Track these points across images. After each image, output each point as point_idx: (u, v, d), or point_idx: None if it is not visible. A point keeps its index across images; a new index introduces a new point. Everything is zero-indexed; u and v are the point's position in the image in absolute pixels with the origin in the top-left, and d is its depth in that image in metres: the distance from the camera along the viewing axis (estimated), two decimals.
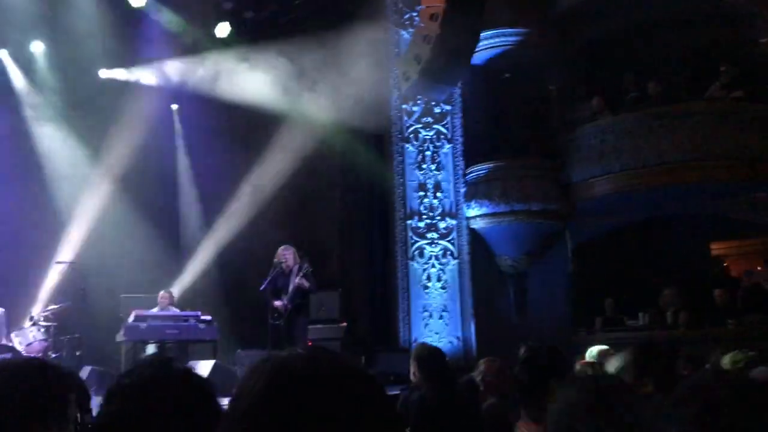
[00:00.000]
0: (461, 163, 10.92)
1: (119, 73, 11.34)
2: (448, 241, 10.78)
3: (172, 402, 1.42)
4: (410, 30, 10.71)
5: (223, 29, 11.13)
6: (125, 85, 11.27)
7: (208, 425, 1.37)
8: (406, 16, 10.94)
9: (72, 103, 10.78)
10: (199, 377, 1.52)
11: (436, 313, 10.59)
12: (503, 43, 10.80)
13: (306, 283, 8.09)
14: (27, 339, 8.53)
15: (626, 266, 10.22)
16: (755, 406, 1.26)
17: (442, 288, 10.65)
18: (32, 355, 7.84)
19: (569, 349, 7.19)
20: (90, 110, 10.74)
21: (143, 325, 8.39)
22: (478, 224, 10.77)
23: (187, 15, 10.89)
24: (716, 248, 11.41)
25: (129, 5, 10.45)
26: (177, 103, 12.07)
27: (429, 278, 10.68)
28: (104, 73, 11.23)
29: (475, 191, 10.73)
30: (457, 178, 10.91)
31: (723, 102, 9.61)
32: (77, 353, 8.87)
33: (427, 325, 10.54)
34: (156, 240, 10.81)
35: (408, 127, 11.04)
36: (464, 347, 10.39)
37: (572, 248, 10.65)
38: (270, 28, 11.06)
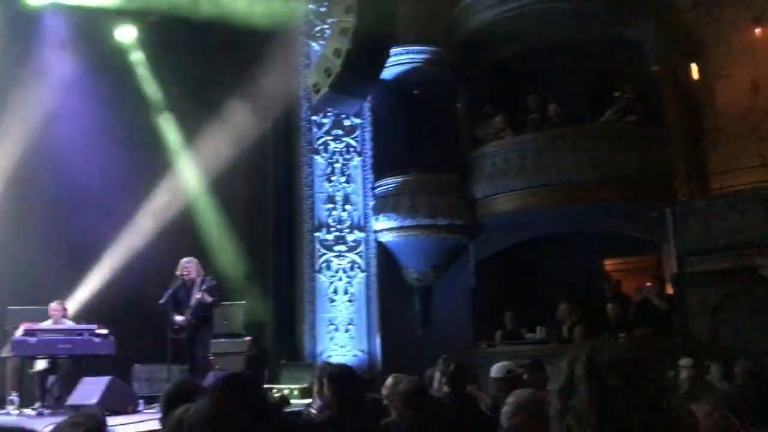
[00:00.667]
0: (370, 177, 11.01)
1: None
2: (356, 254, 10.80)
3: None
4: (321, 42, 10.72)
5: (128, 32, 10.71)
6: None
7: None
8: (317, 28, 10.95)
9: None
10: None
11: (342, 326, 10.58)
12: (411, 60, 11.00)
13: (209, 298, 7.88)
14: None
15: (526, 281, 10.54)
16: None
17: (349, 301, 10.66)
18: None
19: (470, 362, 7.35)
20: None
21: (33, 339, 7.88)
22: (386, 237, 10.86)
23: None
24: (610, 265, 11.94)
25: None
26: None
27: (336, 291, 10.66)
28: None
29: (383, 204, 10.83)
30: (366, 191, 10.98)
31: (616, 125, 10.13)
32: None
33: (332, 338, 10.51)
34: (49, 246, 10.14)
35: (318, 139, 11.02)
36: (369, 360, 10.43)
37: (475, 263, 10.90)
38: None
